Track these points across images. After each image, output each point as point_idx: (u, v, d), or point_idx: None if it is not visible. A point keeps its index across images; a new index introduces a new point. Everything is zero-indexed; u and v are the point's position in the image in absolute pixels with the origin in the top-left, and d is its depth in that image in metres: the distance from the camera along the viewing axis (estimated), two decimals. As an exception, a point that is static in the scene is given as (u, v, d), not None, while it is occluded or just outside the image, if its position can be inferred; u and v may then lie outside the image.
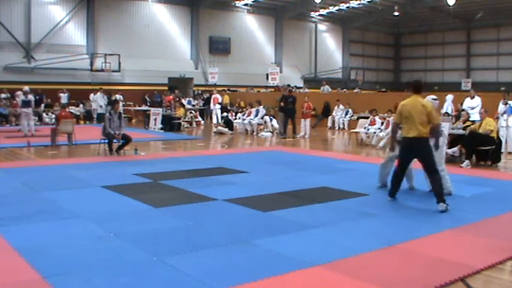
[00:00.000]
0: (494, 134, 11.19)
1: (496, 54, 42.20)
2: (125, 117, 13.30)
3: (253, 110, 19.66)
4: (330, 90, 28.62)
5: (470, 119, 12.84)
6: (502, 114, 13.24)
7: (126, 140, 12.34)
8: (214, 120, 23.16)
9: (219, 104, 23.99)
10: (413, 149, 7.13)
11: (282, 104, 18.32)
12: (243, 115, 20.42)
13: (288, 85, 26.28)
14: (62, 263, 4.64)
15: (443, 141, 7.95)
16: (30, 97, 17.68)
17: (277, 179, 9.23)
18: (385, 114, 15.45)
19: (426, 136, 7.00)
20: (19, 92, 18.61)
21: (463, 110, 14.01)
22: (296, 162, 11.64)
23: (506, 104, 13.22)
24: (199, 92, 30.94)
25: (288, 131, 18.15)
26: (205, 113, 24.56)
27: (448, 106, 15.46)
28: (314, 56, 40.90)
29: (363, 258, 4.85)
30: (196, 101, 27.73)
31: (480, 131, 11.23)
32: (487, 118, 11.42)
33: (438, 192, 6.91)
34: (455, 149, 11.59)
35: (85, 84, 27.47)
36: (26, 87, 18.27)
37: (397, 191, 7.47)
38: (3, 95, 23.46)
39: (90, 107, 25.27)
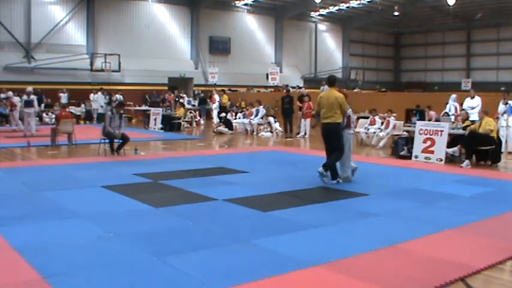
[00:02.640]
0: (494, 134, 11.19)
1: (496, 54, 42.22)
2: (125, 117, 13.30)
3: (254, 110, 19.67)
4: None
5: (470, 118, 12.85)
6: (502, 114, 13.24)
7: (124, 139, 12.33)
8: (215, 120, 23.20)
9: (218, 102, 24.03)
10: (327, 132, 8.73)
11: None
12: (243, 115, 20.43)
13: (286, 85, 26.33)
14: (62, 263, 4.64)
15: (349, 136, 9.13)
16: (33, 97, 17.73)
17: (277, 179, 9.22)
18: (385, 114, 15.44)
19: (338, 122, 8.62)
20: (10, 93, 18.68)
21: (463, 109, 14.02)
22: (296, 162, 11.64)
23: (506, 103, 13.22)
24: (199, 92, 30.96)
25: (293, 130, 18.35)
26: (201, 112, 24.63)
27: (451, 106, 15.46)
28: (314, 56, 40.91)
29: (363, 258, 4.85)
30: (196, 101, 27.75)
31: (480, 130, 11.22)
32: (487, 118, 11.42)
33: (330, 163, 8.60)
34: (455, 148, 11.60)
35: (85, 84, 27.49)
36: (30, 88, 18.34)
37: (335, 173, 8.68)
38: (3, 95, 23.46)
39: (90, 107, 25.27)
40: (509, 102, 13.21)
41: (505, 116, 13.17)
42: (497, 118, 13.15)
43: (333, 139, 8.71)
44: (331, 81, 8.98)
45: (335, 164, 8.70)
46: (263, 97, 25.56)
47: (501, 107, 13.32)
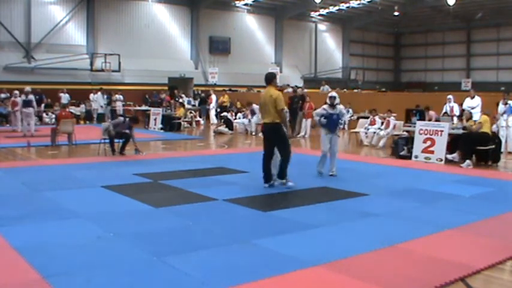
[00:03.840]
0: (486, 129, 11.18)
1: (496, 54, 42.20)
2: (126, 117, 13.34)
3: (249, 110, 19.69)
4: (330, 90, 28.60)
5: (473, 118, 12.84)
6: (502, 114, 13.25)
7: (126, 138, 12.34)
8: (213, 121, 23.21)
9: (216, 103, 24.08)
10: (267, 133, 8.25)
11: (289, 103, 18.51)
12: (243, 115, 20.44)
13: (288, 84, 26.27)
14: (62, 263, 4.64)
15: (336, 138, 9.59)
16: (31, 97, 17.72)
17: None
18: (385, 114, 15.44)
19: (278, 122, 8.08)
20: (16, 92, 18.69)
21: (463, 109, 14.02)
22: (296, 162, 11.61)
23: (506, 104, 13.23)
24: (199, 92, 30.95)
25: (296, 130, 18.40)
26: (201, 112, 24.68)
27: (447, 106, 15.47)
28: (314, 56, 40.90)
29: (363, 258, 4.85)
30: (196, 101, 27.76)
31: (473, 127, 11.33)
32: (483, 116, 11.51)
33: (280, 171, 8.23)
34: (454, 154, 11.57)
35: (85, 84, 27.47)
36: (28, 88, 18.33)
37: (268, 176, 8.30)
38: (3, 95, 23.46)
39: (90, 107, 25.27)
40: (509, 102, 13.21)
41: (505, 116, 13.17)
42: (494, 117, 13.17)
43: (273, 139, 8.24)
44: (267, 78, 8.34)
45: (285, 165, 8.27)
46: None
47: (501, 107, 13.32)
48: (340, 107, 9.72)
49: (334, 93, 10.00)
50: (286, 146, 8.27)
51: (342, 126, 9.64)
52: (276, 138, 8.21)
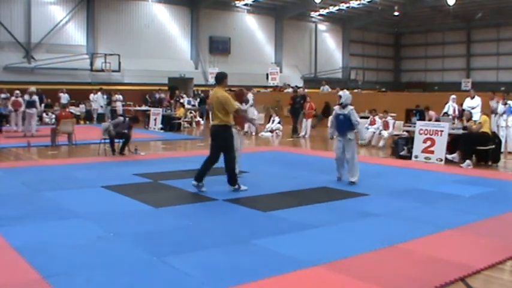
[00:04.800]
0: (486, 129, 11.19)
1: (496, 54, 42.22)
2: (126, 117, 13.35)
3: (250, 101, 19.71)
4: (330, 90, 28.61)
5: (473, 118, 12.84)
6: (502, 114, 13.25)
7: (126, 138, 12.35)
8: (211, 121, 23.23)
9: None
10: (214, 135, 7.90)
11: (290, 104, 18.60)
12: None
13: (288, 84, 26.29)
14: (62, 263, 4.64)
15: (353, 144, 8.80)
16: (35, 97, 17.77)
17: (277, 179, 9.23)
18: (381, 115, 15.41)
19: (226, 124, 7.72)
20: (17, 92, 18.68)
21: (463, 110, 14.02)
22: (296, 162, 11.64)
23: (505, 104, 13.24)
24: (198, 92, 30.96)
25: (288, 130, 18.44)
26: (201, 112, 24.68)
27: (450, 106, 15.47)
28: (314, 56, 40.91)
29: (363, 258, 4.85)
30: (196, 101, 27.75)
31: (473, 126, 11.34)
32: (483, 116, 11.51)
33: (229, 175, 7.87)
34: (454, 154, 11.57)
35: (85, 84, 27.47)
36: (33, 88, 18.36)
37: (200, 176, 7.91)
38: (3, 95, 23.44)
39: (90, 107, 25.27)
40: (509, 102, 13.22)
41: (505, 116, 13.18)
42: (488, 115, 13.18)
43: (219, 142, 7.83)
44: (216, 78, 8.01)
45: (233, 169, 7.91)
46: (263, 97, 25.57)
47: (501, 107, 13.33)
48: (350, 107, 8.90)
49: (341, 92, 9.37)
50: (230, 150, 7.83)
51: (356, 130, 8.83)
52: (221, 141, 7.81)
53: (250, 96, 20.19)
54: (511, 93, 13.81)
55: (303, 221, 6.17)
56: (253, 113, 19.30)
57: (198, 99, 27.19)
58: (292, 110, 18.76)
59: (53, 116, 20.57)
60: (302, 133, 18.12)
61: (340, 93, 9.28)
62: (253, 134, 18.67)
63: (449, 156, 11.55)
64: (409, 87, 43.53)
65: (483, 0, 36.26)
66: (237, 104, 9.27)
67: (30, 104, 17.39)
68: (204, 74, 32.88)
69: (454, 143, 11.77)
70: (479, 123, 11.28)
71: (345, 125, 8.80)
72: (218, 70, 30.26)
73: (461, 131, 11.77)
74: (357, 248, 5.10)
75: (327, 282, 4.31)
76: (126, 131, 12.29)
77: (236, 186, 7.91)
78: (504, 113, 13.20)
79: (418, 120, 12.94)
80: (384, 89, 36.42)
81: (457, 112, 15.25)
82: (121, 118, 12.80)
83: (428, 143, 11.75)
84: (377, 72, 47.04)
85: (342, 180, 8.97)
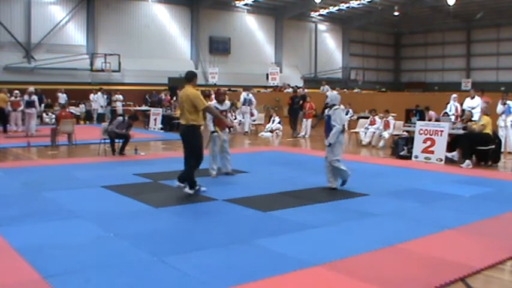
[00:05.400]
0: (488, 130, 11.19)
1: (496, 54, 42.22)
2: (125, 116, 13.35)
3: (241, 100, 19.88)
4: (330, 90, 28.60)
5: (473, 118, 12.84)
6: (501, 114, 13.25)
7: (126, 138, 12.36)
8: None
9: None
10: (182, 134, 7.72)
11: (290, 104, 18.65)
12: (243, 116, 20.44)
13: (288, 84, 26.29)
14: (62, 263, 4.64)
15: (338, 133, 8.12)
16: (34, 97, 17.83)
17: (277, 179, 9.23)
18: (381, 114, 15.42)
19: (194, 124, 7.53)
20: (16, 92, 18.70)
21: (463, 110, 14.02)
22: (296, 162, 11.64)
23: (504, 104, 13.23)
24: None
25: (288, 130, 18.49)
26: None
27: (452, 106, 15.46)
28: (314, 56, 40.91)
29: (363, 258, 4.85)
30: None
31: (475, 127, 11.32)
32: (484, 116, 11.49)
33: (183, 176, 7.64)
34: (454, 153, 11.57)
35: (85, 84, 27.49)
36: (31, 88, 18.38)
37: (193, 182, 7.72)
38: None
39: (90, 107, 25.27)
40: (508, 102, 13.22)
41: (504, 116, 13.18)
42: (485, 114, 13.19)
43: (189, 143, 7.67)
44: (187, 76, 7.79)
45: (192, 173, 7.70)
46: (263, 97, 25.56)
47: (499, 108, 13.32)
48: (336, 107, 8.23)
49: (328, 92, 8.86)
50: (198, 150, 7.66)
51: (334, 131, 8.06)
52: (189, 141, 7.65)
53: (244, 95, 20.37)
54: (510, 93, 13.80)
55: (303, 221, 6.17)
56: (246, 111, 19.45)
57: None
58: (291, 110, 18.80)
59: (53, 116, 20.57)
60: (302, 133, 18.12)
61: (328, 93, 8.77)
62: (247, 132, 18.63)
63: (449, 155, 11.55)
64: (409, 87, 43.53)
65: (483, 0, 36.26)
66: (214, 104, 9.39)
67: (29, 104, 17.50)
68: (204, 74, 32.86)
69: (454, 143, 11.78)
70: (483, 125, 11.21)
71: (329, 127, 8.20)
72: (218, 70, 30.48)
73: (461, 131, 11.77)
74: (357, 248, 5.10)
75: (327, 282, 4.31)
76: (124, 130, 12.27)
77: (183, 185, 7.62)
78: (503, 113, 13.20)
79: (418, 120, 12.93)
80: (384, 89, 36.44)
81: (459, 111, 15.25)
82: (120, 118, 12.80)
83: (428, 143, 11.75)
84: (377, 72, 47.05)
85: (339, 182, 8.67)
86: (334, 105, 8.25)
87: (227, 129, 9.83)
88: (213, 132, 9.31)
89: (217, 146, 9.24)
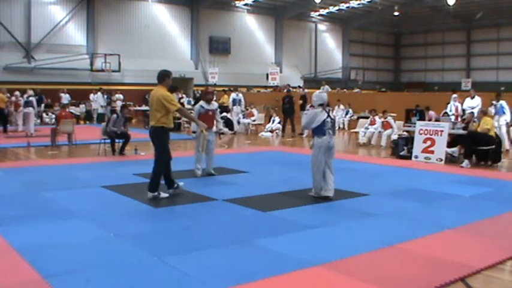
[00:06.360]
0: (492, 133, 11.20)
1: (496, 54, 42.23)
2: (117, 112, 13.39)
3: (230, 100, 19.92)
4: (330, 90, 28.61)
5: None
6: (494, 115, 13.27)
7: (126, 138, 12.37)
8: None
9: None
10: (151, 137, 7.47)
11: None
12: (243, 115, 20.48)
13: (288, 84, 26.28)
14: (62, 263, 4.64)
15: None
16: (32, 98, 18.25)
17: (277, 179, 9.23)
18: (380, 115, 15.42)
19: (162, 125, 7.29)
20: (17, 93, 18.92)
21: (464, 110, 14.03)
22: (296, 162, 11.64)
23: (497, 103, 13.29)
24: (198, 92, 30.95)
25: (288, 130, 18.42)
26: None
27: (452, 105, 15.47)
28: (314, 56, 40.92)
29: (363, 258, 4.85)
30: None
31: (478, 130, 11.29)
32: (485, 117, 11.47)
33: (151, 179, 7.33)
34: (454, 149, 11.60)
35: (85, 84, 27.49)
36: (31, 91, 18.61)
37: (168, 181, 7.61)
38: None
39: (90, 107, 25.27)
40: (500, 102, 13.25)
41: (496, 116, 13.21)
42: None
43: (155, 145, 7.45)
44: (159, 77, 7.42)
45: (158, 175, 7.38)
46: (263, 97, 25.57)
47: (491, 110, 13.37)
48: (313, 108, 7.69)
49: (316, 92, 8.16)
50: (162, 154, 7.40)
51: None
52: (155, 142, 7.43)
53: (233, 95, 20.41)
54: (503, 93, 13.83)
55: (303, 221, 6.17)
56: (238, 112, 19.51)
57: (194, 99, 27.22)
58: (283, 110, 18.95)
59: (53, 116, 20.57)
60: (305, 134, 18.12)
61: (314, 93, 8.05)
62: (233, 132, 18.67)
63: (449, 150, 11.55)
64: (409, 87, 43.53)
65: (483, 0, 36.26)
66: (201, 104, 9.42)
67: (27, 104, 17.95)
68: (204, 74, 32.89)
69: (454, 142, 11.78)
70: (488, 129, 11.17)
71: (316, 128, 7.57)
72: (218, 70, 30.48)
73: (461, 131, 11.78)
74: (357, 248, 5.09)
75: (327, 282, 4.31)
76: (123, 127, 12.27)
77: (156, 194, 7.29)
78: (496, 113, 13.23)
79: (418, 120, 12.94)
80: (383, 89, 36.43)
81: (459, 111, 15.26)
82: (114, 116, 12.74)
83: (428, 143, 11.76)
84: (377, 72, 47.05)
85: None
86: (319, 105, 7.59)
87: (213, 130, 9.72)
88: (194, 132, 9.45)
89: (201, 145, 9.13)
